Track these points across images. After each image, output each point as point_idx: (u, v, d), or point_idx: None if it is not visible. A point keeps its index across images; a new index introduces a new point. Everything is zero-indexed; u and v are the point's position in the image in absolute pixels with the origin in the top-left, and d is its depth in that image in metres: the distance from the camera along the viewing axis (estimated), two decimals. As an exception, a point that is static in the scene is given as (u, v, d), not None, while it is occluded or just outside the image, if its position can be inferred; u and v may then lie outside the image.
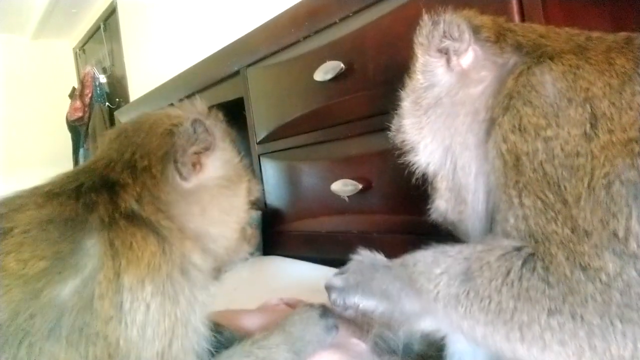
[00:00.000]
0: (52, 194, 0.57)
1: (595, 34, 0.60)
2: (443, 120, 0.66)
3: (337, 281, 0.67)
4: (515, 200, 0.53)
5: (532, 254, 0.50)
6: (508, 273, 0.50)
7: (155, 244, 0.55)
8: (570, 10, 0.84)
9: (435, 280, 0.54)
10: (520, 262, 0.50)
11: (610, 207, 0.47)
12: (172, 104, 0.74)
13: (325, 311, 0.75)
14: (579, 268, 0.47)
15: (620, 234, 0.46)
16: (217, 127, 0.70)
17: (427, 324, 0.58)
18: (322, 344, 0.72)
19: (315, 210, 1.45)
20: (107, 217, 0.55)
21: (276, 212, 1.65)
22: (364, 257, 0.67)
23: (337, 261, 1.29)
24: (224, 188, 0.68)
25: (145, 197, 0.59)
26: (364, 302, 0.62)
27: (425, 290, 0.55)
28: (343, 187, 1.28)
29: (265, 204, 1.68)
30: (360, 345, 0.76)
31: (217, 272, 0.70)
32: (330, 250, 1.37)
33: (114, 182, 0.60)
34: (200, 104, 0.72)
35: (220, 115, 0.73)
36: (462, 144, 0.64)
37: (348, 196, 1.28)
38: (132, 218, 0.56)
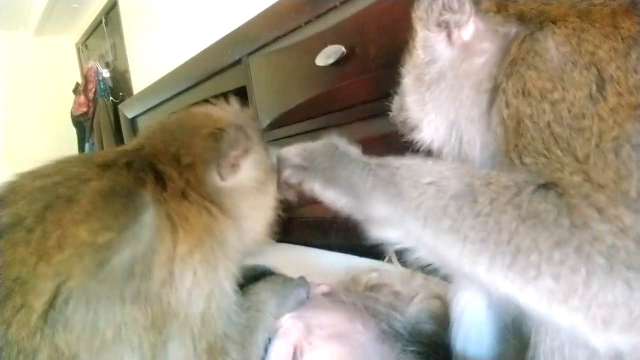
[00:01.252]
0: (105, 165, 0.63)
1: (597, 0, 0.59)
2: (447, 95, 0.65)
3: (298, 158, 0.61)
4: (517, 162, 0.52)
5: (547, 182, 0.47)
6: (518, 194, 0.46)
7: (207, 216, 0.62)
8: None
9: (422, 188, 0.50)
10: (531, 189, 0.46)
11: (620, 170, 0.46)
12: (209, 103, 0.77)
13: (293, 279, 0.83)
14: (594, 208, 0.44)
15: (632, 194, 0.45)
16: (254, 130, 0.75)
17: (391, 235, 0.53)
18: (301, 296, 0.80)
19: (320, 196, 1.46)
20: (160, 194, 0.61)
21: (282, 199, 1.65)
22: (338, 142, 0.60)
23: (344, 246, 1.30)
24: (255, 187, 0.74)
25: (189, 188, 0.64)
26: (324, 190, 0.57)
27: (407, 197, 0.50)
28: (347, 171, 1.28)
29: (270, 191, 1.69)
30: (363, 335, 0.75)
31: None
32: (336, 236, 1.38)
33: (160, 171, 0.64)
34: (236, 104, 0.77)
35: (253, 114, 0.78)
36: (467, 117, 0.63)
37: (352, 181, 1.28)
38: (183, 197, 0.63)
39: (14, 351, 0.51)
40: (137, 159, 0.65)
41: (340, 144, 0.60)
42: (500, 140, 0.56)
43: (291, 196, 0.67)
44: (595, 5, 0.57)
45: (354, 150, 0.60)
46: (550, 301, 0.43)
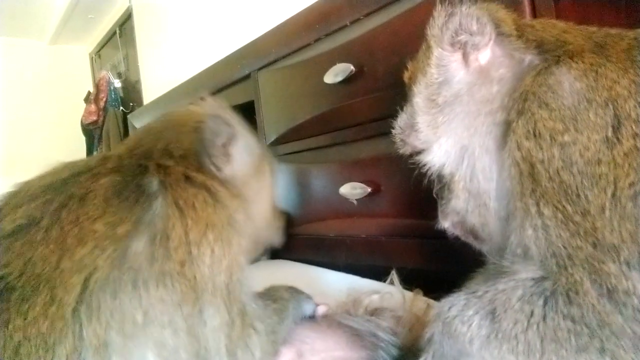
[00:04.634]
0: (108, 157, 0.67)
1: (613, 31, 0.57)
2: (462, 119, 0.62)
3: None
4: (533, 209, 0.50)
5: (554, 288, 0.48)
6: (531, 314, 0.48)
7: (212, 204, 0.65)
8: (584, 7, 0.82)
9: (468, 322, 0.54)
10: (541, 302, 0.48)
11: (639, 220, 0.44)
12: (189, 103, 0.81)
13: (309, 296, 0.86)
14: (605, 295, 0.44)
15: None
16: (234, 118, 0.77)
17: None
18: (308, 312, 0.82)
19: (324, 213, 1.44)
20: (167, 179, 0.64)
21: (284, 215, 1.64)
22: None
23: (345, 265, 1.28)
24: (252, 172, 0.77)
25: (191, 171, 0.68)
26: None
27: (461, 333, 0.54)
28: (352, 190, 1.27)
29: (273, 207, 1.68)
30: None
31: (253, 250, 0.79)
32: (338, 254, 1.36)
33: (158, 164, 0.68)
34: (213, 100, 0.79)
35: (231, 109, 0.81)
36: (482, 146, 0.60)
37: (357, 199, 1.27)
38: (189, 180, 0.66)
39: (33, 345, 0.52)
40: (134, 156, 0.69)
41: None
42: (514, 181, 0.53)
43: None
44: (610, 37, 0.56)
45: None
46: None
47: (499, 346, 0.51)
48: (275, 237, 0.83)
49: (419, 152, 0.69)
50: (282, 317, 0.73)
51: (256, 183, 0.77)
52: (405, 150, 0.72)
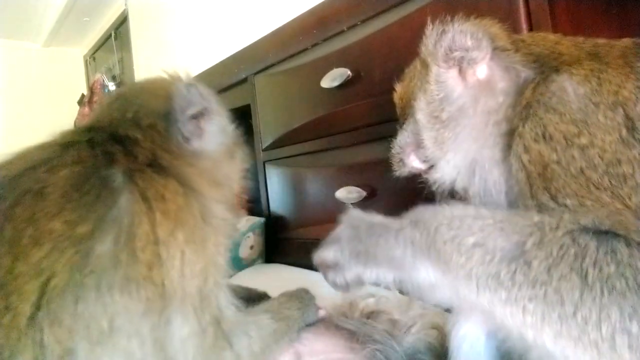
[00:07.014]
0: (69, 145, 0.60)
1: (600, 41, 0.58)
2: (469, 132, 0.61)
3: (331, 254, 0.56)
4: (551, 204, 0.48)
5: (609, 234, 0.41)
6: (582, 257, 0.40)
7: (183, 194, 0.59)
8: (579, 18, 0.83)
9: (467, 252, 0.45)
10: (594, 243, 0.41)
11: None
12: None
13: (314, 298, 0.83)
14: None
15: None
16: (211, 94, 0.72)
17: (444, 297, 0.49)
18: (311, 319, 0.80)
19: (319, 217, 1.45)
20: (132, 167, 0.58)
21: (280, 219, 1.64)
22: (358, 218, 0.57)
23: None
24: (224, 153, 0.72)
25: (159, 149, 0.62)
26: (368, 274, 0.53)
27: (454, 264, 0.46)
28: (347, 194, 1.28)
29: (268, 211, 1.68)
30: None
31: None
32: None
33: (123, 137, 0.62)
34: (188, 74, 0.74)
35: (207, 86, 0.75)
36: (491, 158, 0.59)
37: (352, 203, 1.27)
38: (156, 167, 0.60)
39: None
40: (96, 133, 0.62)
41: (360, 219, 0.57)
42: (522, 184, 0.52)
43: (347, 291, 0.59)
44: (600, 47, 0.56)
45: (377, 218, 0.56)
46: None
47: (515, 290, 0.42)
48: (237, 223, 0.79)
49: (416, 174, 0.68)
50: (279, 339, 0.70)
51: (226, 168, 0.71)
52: (401, 172, 0.70)
